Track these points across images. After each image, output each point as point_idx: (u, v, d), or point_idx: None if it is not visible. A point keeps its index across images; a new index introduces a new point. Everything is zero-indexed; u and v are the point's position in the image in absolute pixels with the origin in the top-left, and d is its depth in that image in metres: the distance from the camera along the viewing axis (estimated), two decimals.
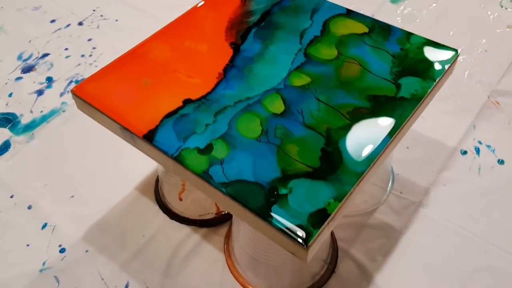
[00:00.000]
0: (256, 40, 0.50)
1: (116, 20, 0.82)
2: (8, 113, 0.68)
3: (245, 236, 0.47)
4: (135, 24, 0.80)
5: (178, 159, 0.39)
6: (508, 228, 0.54)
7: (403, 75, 0.45)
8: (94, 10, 0.85)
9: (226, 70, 0.47)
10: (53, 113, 0.68)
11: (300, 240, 0.34)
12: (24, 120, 0.67)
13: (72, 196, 0.59)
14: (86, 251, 0.53)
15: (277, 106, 0.43)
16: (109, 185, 0.59)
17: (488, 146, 0.62)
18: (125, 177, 0.60)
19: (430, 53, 0.47)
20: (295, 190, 0.37)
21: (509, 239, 0.53)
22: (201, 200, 0.56)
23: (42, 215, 0.57)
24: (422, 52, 0.48)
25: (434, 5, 0.83)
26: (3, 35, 0.81)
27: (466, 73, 0.71)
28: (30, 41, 0.79)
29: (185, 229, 0.55)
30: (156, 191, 0.59)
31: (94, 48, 0.77)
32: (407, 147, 0.63)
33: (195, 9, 0.53)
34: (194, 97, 0.44)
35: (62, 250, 0.54)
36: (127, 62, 0.48)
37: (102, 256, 0.53)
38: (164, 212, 0.56)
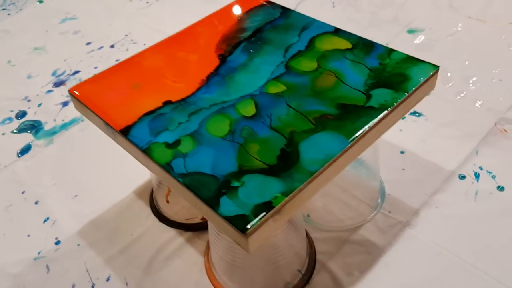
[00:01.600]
0: (243, 52, 0.53)
1: (144, 44, 0.89)
2: (34, 121, 0.75)
3: (216, 239, 0.48)
4: None
5: (146, 151, 0.42)
6: (496, 254, 0.52)
7: (376, 87, 0.46)
8: (126, 35, 0.93)
9: (209, 77, 0.50)
10: (72, 121, 0.74)
11: (240, 228, 0.35)
12: (47, 127, 0.74)
13: (76, 196, 0.63)
14: (78, 245, 0.57)
15: (249, 109, 0.45)
16: (110, 188, 0.63)
17: (489, 172, 0.60)
18: (126, 181, 0.64)
19: (408, 68, 0.48)
20: (247, 183, 0.39)
21: (497, 265, 0.51)
22: (188, 205, 0.58)
23: (46, 210, 0.61)
24: (400, 67, 0.48)
25: (452, 35, 0.84)
26: (43, 54, 0.90)
27: (478, 102, 0.70)
28: (65, 60, 0.87)
29: (171, 232, 0.57)
30: (150, 195, 0.62)
31: None
32: (403, 169, 0.62)
33: (194, 25, 0.58)
34: (174, 99, 0.48)
35: (57, 242, 0.57)
36: (123, 68, 0.52)
37: (91, 251, 0.56)
38: (155, 215, 0.59)
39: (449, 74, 0.76)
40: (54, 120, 0.75)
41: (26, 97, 0.80)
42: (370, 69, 0.49)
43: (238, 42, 0.54)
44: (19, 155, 0.69)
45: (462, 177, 0.60)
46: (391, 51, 0.51)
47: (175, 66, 0.52)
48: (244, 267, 0.49)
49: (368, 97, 0.45)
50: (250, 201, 0.37)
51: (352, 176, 0.57)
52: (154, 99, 0.48)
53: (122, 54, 0.87)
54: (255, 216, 0.36)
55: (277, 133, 0.43)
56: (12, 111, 0.77)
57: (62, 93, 0.80)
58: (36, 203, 0.63)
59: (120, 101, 0.48)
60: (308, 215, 0.58)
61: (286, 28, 0.56)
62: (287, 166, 0.40)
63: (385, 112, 0.44)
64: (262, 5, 0.60)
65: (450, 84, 0.74)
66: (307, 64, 0.50)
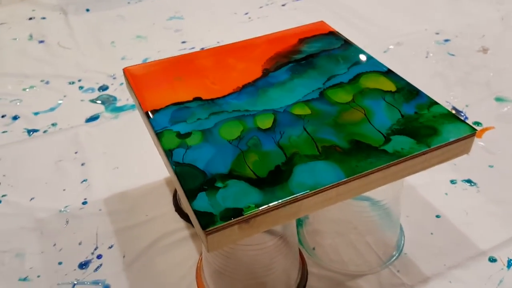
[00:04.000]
0: (287, 72, 0.54)
1: None
2: (111, 96, 0.83)
3: None
4: None
5: (158, 135, 0.45)
6: None
7: (400, 133, 0.44)
8: (218, 42, 0.98)
9: (245, 86, 0.52)
10: None
11: (202, 224, 0.36)
12: (119, 104, 0.81)
13: (116, 168, 0.69)
14: (100, 210, 0.62)
15: (266, 123, 0.46)
16: (146, 170, 0.67)
17: None
18: (161, 168, 0.67)
19: (442, 123, 0.45)
20: (229, 187, 0.39)
21: None
22: None
23: (87, 173, 0.67)
24: (435, 121, 0.46)
25: None
26: (143, 42, 0.99)
27: None
28: (158, 52, 0.95)
29: (181, 223, 0.59)
30: None
31: None
32: (432, 233, 0.58)
33: (256, 38, 0.60)
34: (204, 97, 0.50)
35: (84, 203, 0.63)
36: (176, 61, 0.56)
37: (107, 218, 0.60)
38: (173, 204, 0.62)
39: None
40: (127, 99, 0.82)
41: (113, 75, 0.89)
42: (403, 115, 0.47)
43: (287, 61, 0.55)
44: (87, 121, 0.77)
45: (493, 260, 0.54)
46: (433, 103, 0.48)
47: (220, 70, 0.54)
48: (227, 274, 0.50)
49: (387, 140, 0.44)
50: (224, 204, 0.38)
51: (369, 220, 0.54)
52: (188, 93, 0.51)
53: None
54: (221, 218, 0.37)
55: (280, 150, 0.43)
56: (97, 83, 0.86)
57: None
58: (82, 164, 0.69)
59: (159, 88, 0.52)
60: (314, 248, 0.56)
61: (339, 59, 0.56)
62: (274, 182, 0.40)
63: (397, 160, 0.42)
64: (328, 33, 0.61)
65: None
66: (342, 96, 0.50)
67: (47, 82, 0.87)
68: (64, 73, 0.89)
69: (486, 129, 0.75)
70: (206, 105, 0.49)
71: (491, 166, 0.67)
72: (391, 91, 0.50)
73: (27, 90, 0.85)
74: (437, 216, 0.60)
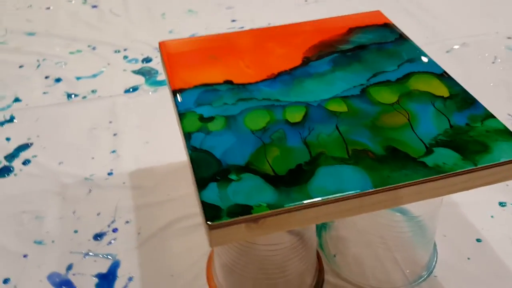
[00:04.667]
0: (330, 63, 0.49)
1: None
2: (153, 69, 0.82)
3: None
4: None
5: (180, 116, 0.43)
6: None
7: (445, 145, 0.39)
8: (269, 24, 0.95)
9: (280, 73, 0.48)
10: None
11: (207, 217, 0.33)
12: (159, 78, 0.80)
13: (147, 142, 0.67)
14: (124, 182, 0.61)
15: (296, 116, 0.43)
16: (178, 148, 0.64)
17: None
18: None
19: (496, 140, 0.40)
20: (243, 181, 0.36)
21: None
22: None
23: (118, 144, 0.67)
24: (488, 137, 0.40)
25: None
26: (193, 17, 0.97)
27: None
28: (206, 28, 0.93)
29: None
30: None
31: None
32: (468, 258, 0.52)
33: (302, 23, 0.56)
34: (236, 81, 0.47)
35: (110, 173, 0.62)
36: (215, 39, 0.53)
37: (129, 192, 0.59)
38: None
39: None
40: None
41: (158, 48, 0.87)
42: (452, 126, 0.41)
43: (332, 51, 0.51)
44: (125, 92, 0.77)
45: None
46: (489, 116, 0.42)
47: (258, 53, 0.51)
48: (237, 271, 0.47)
49: (429, 152, 0.39)
50: (234, 198, 0.35)
51: (401, 236, 0.50)
52: (219, 74, 0.48)
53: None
54: (228, 214, 0.34)
55: (305, 147, 0.39)
56: (142, 54, 0.85)
57: None
58: (114, 135, 0.68)
59: (191, 66, 0.49)
60: (335, 256, 0.53)
61: (390, 54, 0.51)
62: (293, 182, 0.36)
63: (436, 175, 0.37)
64: (383, 25, 0.55)
65: None
66: (386, 96, 0.45)
67: (94, 48, 0.87)
68: (111, 40, 0.89)
69: None
70: (236, 90, 0.46)
71: None
72: (443, 96, 0.45)
73: (74, 53, 0.86)
74: (478, 240, 0.54)
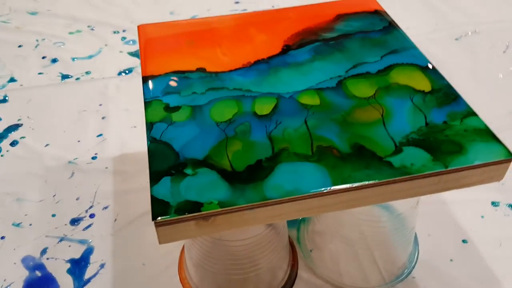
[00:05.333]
0: (310, 52, 0.47)
1: None
2: None
3: None
4: None
5: (146, 104, 0.42)
6: None
7: (416, 144, 0.37)
8: (273, 6, 0.92)
9: (257, 62, 0.46)
10: None
11: (154, 213, 0.33)
12: None
13: (135, 127, 0.67)
14: (106, 167, 0.60)
15: (264, 108, 0.41)
16: None
17: None
18: None
19: (473, 141, 0.37)
20: (198, 176, 0.35)
21: None
22: None
23: (105, 127, 0.66)
24: (464, 136, 0.38)
25: None
26: None
27: None
28: (208, 10, 0.91)
29: None
30: None
31: None
32: (451, 260, 0.50)
33: (287, 9, 0.54)
34: (209, 69, 0.45)
35: (93, 157, 0.62)
36: (195, 23, 0.52)
37: (110, 178, 0.59)
38: None
39: None
40: None
41: None
42: (428, 123, 0.39)
43: (314, 39, 0.49)
44: (119, 74, 0.76)
45: None
46: (471, 114, 0.40)
47: (237, 40, 0.49)
48: (204, 266, 0.46)
49: (397, 151, 0.37)
50: (185, 194, 0.34)
51: (382, 231, 0.48)
52: (193, 61, 0.46)
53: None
54: (176, 211, 0.33)
55: (269, 142, 0.38)
56: None
57: None
58: (102, 118, 0.68)
59: (167, 52, 0.48)
60: (311, 251, 0.51)
61: (375, 44, 0.48)
62: (249, 179, 0.35)
63: (401, 176, 0.35)
64: (374, 12, 0.53)
65: None
66: (363, 89, 0.43)
67: (93, 28, 0.86)
68: (111, 20, 0.88)
69: None
70: (207, 78, 0.44)
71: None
72: (423, 91, 0.42)
73: (73, 34, 0.85)
74: (464, 241, 0.52)
